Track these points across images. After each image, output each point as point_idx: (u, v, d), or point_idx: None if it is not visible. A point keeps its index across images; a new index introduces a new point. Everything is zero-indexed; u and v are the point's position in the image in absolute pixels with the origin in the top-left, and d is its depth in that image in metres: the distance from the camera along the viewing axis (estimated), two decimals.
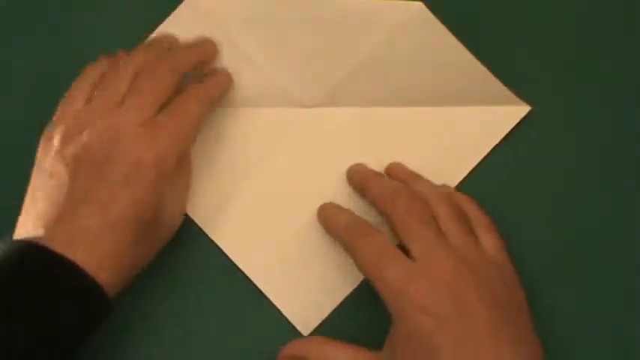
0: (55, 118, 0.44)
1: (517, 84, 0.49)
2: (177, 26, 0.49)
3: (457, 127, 0.48)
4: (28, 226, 0.41)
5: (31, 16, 0.52)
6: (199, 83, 0.46)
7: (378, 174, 0.47)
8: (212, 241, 0.48)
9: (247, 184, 0.48)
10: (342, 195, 0.48)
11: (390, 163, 0.48)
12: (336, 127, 0.49)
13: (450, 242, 0.42)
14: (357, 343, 0.43)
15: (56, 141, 0.42)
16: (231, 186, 0.48)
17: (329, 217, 0.46)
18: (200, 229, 0.48)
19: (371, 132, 0.49)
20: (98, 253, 0.39)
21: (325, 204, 0.47)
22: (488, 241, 0.44)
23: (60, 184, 0.41)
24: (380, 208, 0.44)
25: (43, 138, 0.44)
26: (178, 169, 0.43)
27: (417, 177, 0.47)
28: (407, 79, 0.48)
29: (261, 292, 0.47)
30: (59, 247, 0.38)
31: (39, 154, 0.43)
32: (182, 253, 0.47)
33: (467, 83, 0.48)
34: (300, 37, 0.48)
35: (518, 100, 0.49)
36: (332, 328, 0.47)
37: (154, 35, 0.49)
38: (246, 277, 0.47)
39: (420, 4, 0.47)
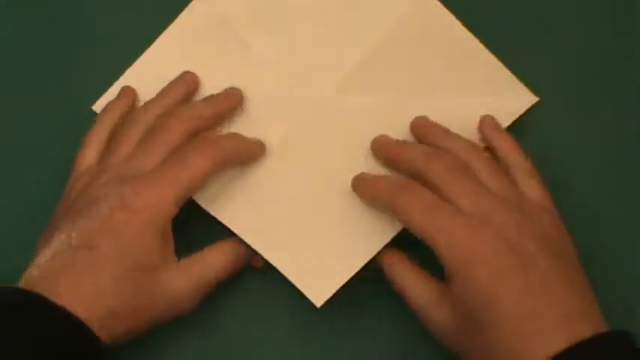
0: (71, 178, 0.45)
1: (524, 76, 0.48)
2: (183, 30, 0.49)
3: (462, 116, 0.47)
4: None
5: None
6: (214, 136, 0.46)
7: (404, 142, 0.46)
8: (214, 219, 0.46)
9: (254, 168, 0.47)
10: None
11: (416, 117, 0.47)
12: (346, 116, 0.48)
13: (495, 193, 0.41)
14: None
15: (68, 201, 0.43)
16: (237, 169, 0.47)
17: (366, 181, 0.45)
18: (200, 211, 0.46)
19: (380, 121, 0.48)
20: (80, 292, 0.39)
21: (360, 174, 0.45)
22: (532, 187, 0.43)
23: (63, 227, 0.41)
24: (416, 173, 0.43)
25: (61, 198, 0.45)
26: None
27: (445, 132, 0.46)
28: (415, 68, 0.48)
29: (269, 266, 0.45)
30: (44, 285, 0.39)
31: (55, 214, 0.44)
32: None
33: (475, 71, 0.48)
34: (307, 29, 0.49)
35: (525, 89, 0.48)
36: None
37: (158, 41, 0.49)
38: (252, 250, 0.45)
39: None
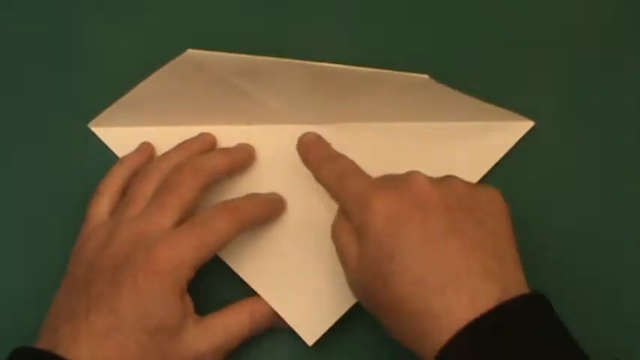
0: (83, 232, 0.45)
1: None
2: (172, 75, 0.47)
3: (458, 143, 0.48)
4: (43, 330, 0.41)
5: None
6: (237, 201, 0.45)
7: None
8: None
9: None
10: None
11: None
12: (337, 143, 0.48)
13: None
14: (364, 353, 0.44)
15: (86, 255, 0.43)
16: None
17: (305, 146, 0.47)
18: None
19: (373, 148, 0.48)
20: (101, 354, 0.39)
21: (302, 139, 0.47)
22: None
23: (83, 289, 0.41)
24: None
25: (73, 253, 0.44)
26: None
27: None
28: (406, 95, 0.47)
29: None
30: (64, 346, 0.38)
31: (71, 267, 0.44)
32: None
33: (468, 106, 0.48)
34: (293, 88, 0.47)
35: (520, 116, 0.49)
36: (337, 339, 0.46)
37: (143, 86, 0.47)
38: (248, 287, 0.46)
39: (426, 76, 0.45)
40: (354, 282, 0.41)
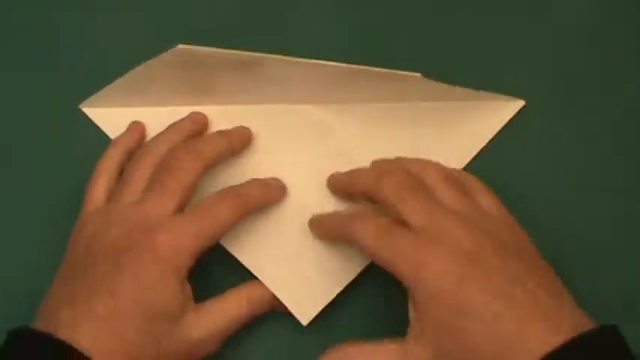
0: (81, 217, 0.44)
1: (510, 80, 0.49)
2: (160, 67, 0.47)
3: (450, 122, 0.49)
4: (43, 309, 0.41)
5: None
6: (239, 187, 0.45)
7: (356, 169, 0.46)
8: None
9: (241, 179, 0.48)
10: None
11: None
12: (331, 122, 0.49)
13: (449, 206, 0.41)
14: (360, 332, 0.44)
15: (84, 241, 0.42)
16: (229, 182, 0.47)
17: (319, 221, 0.46)
18: None
19: (365, 128, 0.49)
20: (100, 341, 0.39)
21: (312, 217, 0.46)
22: (486, 200, 0.43)
23: (82, 273, 0.41)
24: (370, 194, 0.43)
25: (71, 238, 0.44)
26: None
27: (397, 158, 0.46)
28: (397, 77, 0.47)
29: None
30: (64, 330, 0.38)
31: (68, 252, 0.43)
32: None
33: (457, 91, 0.48)
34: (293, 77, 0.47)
35: (511, 97, 0.49)
36: (332, 318, 0.46)
37: (134, 72, 0.47)
38: (246, 273, 0.46)
39: (419, 75, 0.45)
40: (415, 352, 0.39)
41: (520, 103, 0.49)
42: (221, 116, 0.49)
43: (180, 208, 0.43)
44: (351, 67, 0.45)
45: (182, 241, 0.41)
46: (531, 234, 0.43)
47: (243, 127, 0.48)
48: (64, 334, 0.38)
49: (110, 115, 0.50)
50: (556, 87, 0.50)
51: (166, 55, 0.45)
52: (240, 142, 0.48)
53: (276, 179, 0.47)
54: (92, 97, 0.50)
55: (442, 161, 0.46)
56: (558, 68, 0.51)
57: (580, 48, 0.51)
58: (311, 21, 0.52)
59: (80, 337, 0.38)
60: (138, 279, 0.40)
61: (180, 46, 0.44)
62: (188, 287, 0.42)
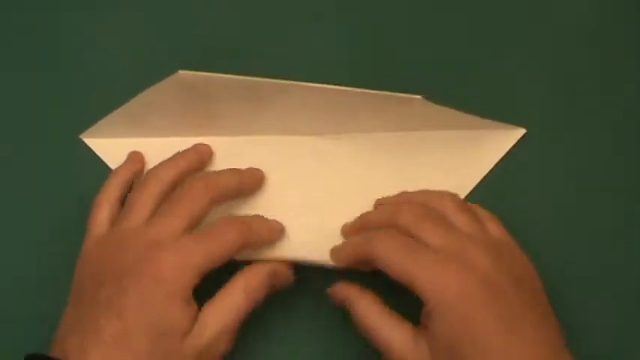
0: (85, 244, 0.45)
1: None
2: (163, 92, 0.47)
3: (451, 151, 0.49)
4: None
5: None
6: (244, 217, 0.45)
7: (367, 212, 0.47)
8: None
9: (247, 210, 0.48)
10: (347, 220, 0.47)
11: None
12: (334, 153, 0.49)
13: (464, 231, 0.43)
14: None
15: (90, 267, 0.43)
16: (232, 212, 0.47)
17: (342, 246, 0.46)
18: None
19: (367, 158, 0.49)
20: None
21: (332, 247, 0.46)
22: (493, 227, 0.44)
23: (89, 298, 0.41)
24: (368, 257, 0.43)
25: (78, 265, 0.44)
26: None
27: (407, 193, 0.47)
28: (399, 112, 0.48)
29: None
30: (73, 357, 0.39)
31: (76, 279, 0.43)
32: None
33: (459, 118, 0.48)
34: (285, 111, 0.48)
35: (512, 125, 0.49)
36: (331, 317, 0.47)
37: (135, 101, 0.48)
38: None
39: (419, 98, 0.45)
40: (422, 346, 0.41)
41: (521, 132, 0.49)
42: (224, 147, 0.49)
43: (187, 232, 0.43)
44: (352, 91, 0.45)
45: (187, 260, 0.41)
46: (531, 236, 0.45)
47: (256, 170, 0.48)
48: (73, 358, 0.39)
49: (111, 146, 0.50)
50: (556, 87, 0.50)
51: (166, 83, 0.45)
52: (251, 182, 0.48)
53: (276, 222, 0.47)
54: (93, 127, 0.50)
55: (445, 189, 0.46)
56: (558, 68, 0.51)
57: (580, 48, 0.51)
58: (311, 32, 0.53)
59: None
60: (144, 299, 0.40)
61: (181, 72, 0.44)
62: (194, 305, 0.42)
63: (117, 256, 0.42)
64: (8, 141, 0.51)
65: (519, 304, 0.40)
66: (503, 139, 0.49)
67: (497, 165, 0.49)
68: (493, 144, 0.49)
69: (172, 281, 0.41)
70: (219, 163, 0.49)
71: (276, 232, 0.46)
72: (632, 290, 0.48)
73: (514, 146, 0.49)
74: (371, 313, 0.42)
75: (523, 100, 0.50)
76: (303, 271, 0.46)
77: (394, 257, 0.41)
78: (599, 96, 0.50)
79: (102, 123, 0.49)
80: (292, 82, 0.45)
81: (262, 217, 0.46)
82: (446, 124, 0.48)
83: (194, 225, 0.43)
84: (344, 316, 0.44)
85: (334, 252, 0.46)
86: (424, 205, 0.44)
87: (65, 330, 0.41)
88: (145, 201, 0.44)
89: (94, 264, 0.43)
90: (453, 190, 0.46)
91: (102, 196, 0.46)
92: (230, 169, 0.47)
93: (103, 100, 0.49)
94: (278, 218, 0.46)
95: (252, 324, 0.44)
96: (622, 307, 0.48)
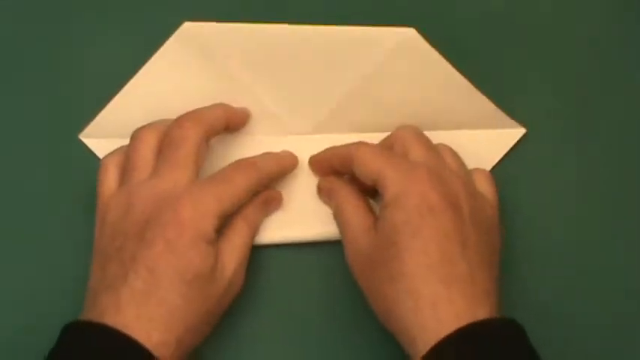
0: (99, 205, 0.45)
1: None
2: (168, 59, 0.48)
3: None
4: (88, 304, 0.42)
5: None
6: (252, 158, 0.46)
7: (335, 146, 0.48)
8: None
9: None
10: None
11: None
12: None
13: (449, 166, 0.45)
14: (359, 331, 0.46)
15: (109, 227, 0.43)
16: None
17: (321, 156, 0.48)
18: None
19: None
20: (147, 316, 0.40)
21: (311, 156, 0.49)
22: (485, 184, 0.46)
23: (114, 257, 0.42)
24: (348, 162, 0.45)
25: (96, 228, 0.44)
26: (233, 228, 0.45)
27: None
28: (399, 104, 0.49)
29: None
30: (108, 316, 0.39)
31: (96, 242, 0.44)
32: None
33: (460, 106, 0.49)
34: (291, 67, 0.48)
35: (513, 122, 0.50)
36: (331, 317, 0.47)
37: (144, 69, 0.49)
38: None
39: (412, 30, 0.47)
40: (357, 247, 0.43)
41: (521, 131, 0.50)
42: (226, 142, 0.49)
43: (194, 178, 0.43)
44: (348, 29, 0.47)
45: (204, 204, 0.42)
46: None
47: (242, 108, 0.49)
48: (109, 319, 0.39)
49: (110, 146, 0.49)
50: (556, 87, 0.51)
51: (173, 40, 0.47)
52: (235, 115, 0.48)
53: (286, 151, 0.48)
54: (92, 124, 0.49)
55: None
56: (558, 69, 0.51)
57: (580, 47, 0.51)
58: None
59: (125, 318, 0.39)
60: (170, 248, 0.41)
61: (187, 23, 0.46)
62: (216, 245, 0.43)
63: (133, 213, 0.42)
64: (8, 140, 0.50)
65: (473, 240, 0.41)
66: (504, 138, 0.49)
67: (497, 164, 0.49)
68: (493, 143, 0.49)
69: (194, 226, 0.41)
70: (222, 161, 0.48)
71: (285, 160, 0.48)
72: (632, 290, 0.48)
73: (514, 146, 0.50)
74: (342, 194, 0.46)
75: (523, 101, 0.50)
76: (304, 271, 0.47)
77: (371, 157, 0.43)
78: (599, 96, 0.51)
79: (100, 118, 0.49)
80: (290, 25, 0.47)
81: (269, 152, 0.48)
82: (446, 125, 0.49)
83: (198, 166, 0.44)
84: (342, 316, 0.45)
85: (313, 158, 0.48)
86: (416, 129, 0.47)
87: (94, 290, 0.42)
88: (145, 155, 0.44)
89: (110, 225, 0.43)
90: None
91: (107, 159, 0.46)
92: (214, 104, 0.48)
93: (104, 101, 0.49)
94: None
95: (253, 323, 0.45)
96: (622, 306, 0.48)
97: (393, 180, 0.42)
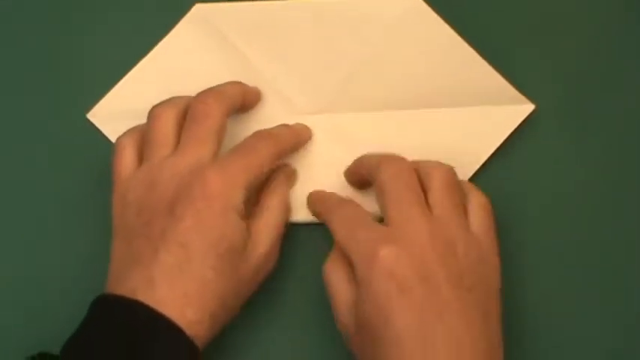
0: (117, 186, 0.44)
1: (520, 81, 0.49)
2: (180, 40, 0.49)
3: (459, 128, 0.48)
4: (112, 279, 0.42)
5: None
6: (271, 130, 0.47)
7: (365, 154, 0.47)
8: None
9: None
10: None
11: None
12: (335, 132, 0.49)
13: (432, 212, 0.41)
14: None
15: (133, 205, 0.43)
16: None
17: (313, 198, 0.47)
18: None
19: (372, 137, 0.49)
20: (181, 291, 0.39)
21: (312, 192, 0.48)
22: (478, 219, 0.42)
23: (141, 233, 0.41)
24: (370, 178, 0.44)
25: (115, 206, 0.44)
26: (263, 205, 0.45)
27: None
28: (406, 80, 0.48)
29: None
30: (141, 291, 0.39)
31: (116, 219, 0.44)
32: None
33: (468, 80, 0.48)
34: (299, 43, 0.49)
35: (521, 97, 0.49)
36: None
37: (155, 50, 0.49)
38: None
39: None
40: (345, 322, 0.41)
41: (530, 107, 0.49)
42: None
43: (217, 153, 0.44)
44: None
45: (231, 176, 0.42)
46: (535, 240, 0.46)
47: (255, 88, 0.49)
48: (142, 295, 0.39)
49: (118, 126, 0.49)
50: (556, 87, 0.50)
51: (185, 21, 0.48)
52: (252, 92, 0.49)
53: (299, 123, 0.48)
54: (100, 103, 0.50)
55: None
56: (558, 69, 0.50)
57: (580, 48, 0.50)
58: None
59: (158, 294, 0.39)
60: (201, 221, 0.41)
61: (198, 5, 0.48)
62: (246, 218, 0.43)
63: (158, 190, 0.42)
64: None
65: (450, 300, 0.38)
66: (512, 114, 0.48)
67: (505, 142, 0.48)
68: (501, 120, 0.48)
69: (224, 197, 0.41)
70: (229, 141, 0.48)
71: (301, 131, 0.48)
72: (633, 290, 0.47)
73: (522, 123, 0.49)
74: (334, 266, 0.42)
75: (532, 84, 0.49)
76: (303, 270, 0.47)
77: (338, 230, 0.42)
78: (599, 96, 0.50)
79: (109, 97, 0.50)
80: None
81: (284, 124, 0.48)
82: (453, 102, 0.48)
83: (220, 141, 0.44)
84: None
85: (309, 199, 0.48)
86: (411, 168, 0.43)
87: (123, 266, 0.41)
88: (166, 131, 0.44)
89: (134, 202, 0.43)
90: (460, 167, 0.45)
91: (123, 139, 0.46)
92: (232, 81, 0.48)
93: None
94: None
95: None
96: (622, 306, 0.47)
97: (359, 258, 0.40)
